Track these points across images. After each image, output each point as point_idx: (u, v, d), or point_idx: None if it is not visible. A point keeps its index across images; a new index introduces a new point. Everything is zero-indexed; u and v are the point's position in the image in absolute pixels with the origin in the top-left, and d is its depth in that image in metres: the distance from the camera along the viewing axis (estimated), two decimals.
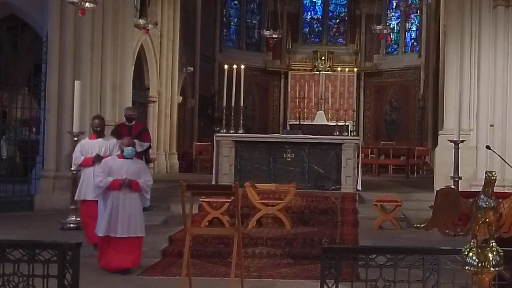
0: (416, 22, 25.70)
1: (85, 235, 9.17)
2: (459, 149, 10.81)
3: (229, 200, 10.26)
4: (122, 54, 13.57)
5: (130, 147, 8.19)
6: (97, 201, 8.75)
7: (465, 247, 3.58)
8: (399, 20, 26.35)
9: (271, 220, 10.85)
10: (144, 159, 11.07)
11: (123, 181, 8.01)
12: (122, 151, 8.22)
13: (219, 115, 21.21)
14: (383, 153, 20.99)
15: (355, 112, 24.70)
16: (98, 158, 9.06)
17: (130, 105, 14.01)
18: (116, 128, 11.48)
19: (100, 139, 9.39)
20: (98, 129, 9.47)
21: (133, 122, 11.34)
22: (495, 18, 12.68)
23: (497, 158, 11.11)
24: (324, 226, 10.80)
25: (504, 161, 10.77)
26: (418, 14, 25.42)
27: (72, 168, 9.72)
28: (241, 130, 13.49)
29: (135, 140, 11.07)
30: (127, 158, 8.16)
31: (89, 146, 9.34)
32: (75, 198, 9.60)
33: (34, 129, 14.43)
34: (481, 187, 3.61)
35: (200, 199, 10.45)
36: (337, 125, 13.77)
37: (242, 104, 13.66)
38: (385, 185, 15.44)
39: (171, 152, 19.16)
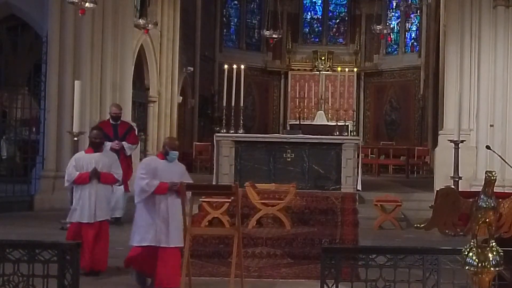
0: (416, 22, 25.69)
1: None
2: (459, 149, 10.81)
3: (229, 200, 10.25)
4: (122, 54, 13.56)
5: (176, 151, 7.44)
6: (93, 223, 8.05)
7: (465, 247, 3.58)
8: (399, 20, 26.34)
9: (271, 220, 10.85)
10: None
11: (172, 185, 7.26)
12: (166, 153, 7.42)
13: (219, 115, 21.21)
14: (383, 153, 20.98)
15: (355, 112, 24.68)
16: (95, 174, 8.17)
17: (130, 105, 14.00)
18: (99, 127, 10.44)
19: (97, 154, 8.34)
20: (97, 140, 8.47)
21: (119, 121, 10.86)
22: (495, 18, 12.68)
23: (497, 158, 11.11)
24: (324, 226, 10.79)
25: (504, 161, 10.77)
26: (418, 14, 25.41)
27: (65, 185, 8.52)
28: (241, 130, 13.49)
29: (124, 143, 10.67)
30: (169, 161, 7.42)
31: (84, 161, 8.26)
32: (68, 220, 8.45)
33: (34, 129, 14.43)
34: (481, 187, 3.61)
35: (200, 199, 10.44)
36: (337, 125, 13.77)
37: (242, 104, 13.66)
38: (385, 185, 15.45)
39: None
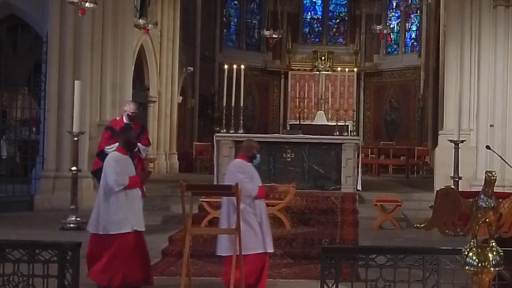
0: (416, 22, 25.70)
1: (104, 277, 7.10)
2: (459, 149, 10.81)
3: None
4: (122, 54, 13.57)
5: (258, 154, 7.32)
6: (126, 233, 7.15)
7: (465, 247, 3.58)
8: (399, 20, 26.36)
9: (271, 220, 10.81)
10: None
11: (270, 189, 7.23)
12: (253, 157, 7.26)
13: (219, 115, 21.22)
14: (383, 153, 20.99)
15: (355, 112, 24.70)
16: (146, 176, 7.67)
17: None
18: (111, 126, 9.74)
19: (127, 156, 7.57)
20: (135, 140, 7.84)
21: (133, 121, 9.86)
22: (495, 18, 12.68)
23: (497, 158, 11.11)
24: (324, 226, 10.79)
25: (504, 161, 10.77)
26: (418, 14, 25.43)
27: (115, 190, 7.16)
28: (241, 130, 13.49)
29: (139, 144, 9.45)
30: (253, 164, 7.30)
31: (125, 162, 7.37)
32: (118, 231, 7.12)
33: (34, 129, 14.42)
34: (481, 187, 3.61)
35: (200, 199, 10.43)
36: (337, 125, 13.77)
37: (242, 104, 13.66)
38: (385, 185, 15.44)
39: (171, 152, 19.16)
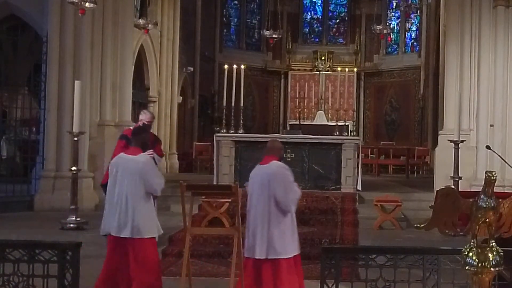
0: (416, 22, 25.71)
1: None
2: (459, 149, 10.82)
3: (229, 200, 10.24)
4: (122, 54, 13.56)
5: None
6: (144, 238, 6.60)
7: (465, 247, 3.58)
8: (399, 20, 26.36)
9: None
10: None
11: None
12: (282, 157, 7.25)
13: (219, 115, 21.21)
14: (383, 153, 20.98)
15: (355, 112, 24.70)
16: None
17: (130, 105, 13.96)
18: (126, 135, 9.16)
19: None
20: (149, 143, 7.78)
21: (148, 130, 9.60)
22: (495, 18, 12.68)
23: (497, 158, 11.11)
24: (324, 226, 10.79)
25: (504, 161, 10.77)
26: (418, 14, 25.43)
27: (159, 193, 7.04)
28: (241, 130, 13.48)
29: (154, 154, 9.08)
30: None
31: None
32: (154, 235, 6.75)
33: (34, 129, 14.43)
34: (481, 187, 3.61)
35: (200, 199, 10.43)
36: (337, 125, 13.76)
37: (242, 104, 13.66)
38: (385, 185, 15.44)
39: (171, 152, 19.16)
